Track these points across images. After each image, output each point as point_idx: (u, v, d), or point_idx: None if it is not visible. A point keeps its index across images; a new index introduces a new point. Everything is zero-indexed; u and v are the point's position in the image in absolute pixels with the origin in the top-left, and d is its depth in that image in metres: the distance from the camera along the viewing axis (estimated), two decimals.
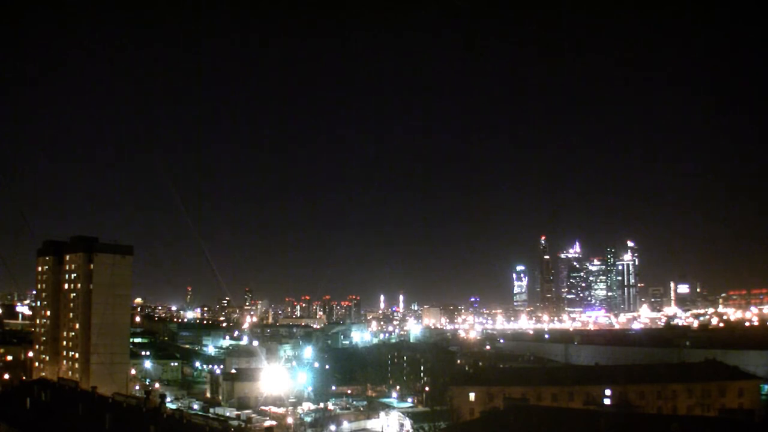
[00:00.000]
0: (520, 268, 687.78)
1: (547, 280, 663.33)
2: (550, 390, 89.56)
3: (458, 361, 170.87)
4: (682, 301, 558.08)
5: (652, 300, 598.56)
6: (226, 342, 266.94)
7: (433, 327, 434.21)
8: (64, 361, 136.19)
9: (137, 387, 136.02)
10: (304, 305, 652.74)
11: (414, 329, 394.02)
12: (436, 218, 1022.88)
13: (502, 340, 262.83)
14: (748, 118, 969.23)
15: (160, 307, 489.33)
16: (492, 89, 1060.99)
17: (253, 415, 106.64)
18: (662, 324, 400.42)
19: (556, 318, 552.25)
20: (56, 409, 75.39)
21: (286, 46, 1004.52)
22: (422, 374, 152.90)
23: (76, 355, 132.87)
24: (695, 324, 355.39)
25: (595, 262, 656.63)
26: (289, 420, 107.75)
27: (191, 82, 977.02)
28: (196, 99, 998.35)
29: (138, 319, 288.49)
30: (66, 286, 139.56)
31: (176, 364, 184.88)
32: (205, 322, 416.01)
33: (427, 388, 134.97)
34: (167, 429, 64.36)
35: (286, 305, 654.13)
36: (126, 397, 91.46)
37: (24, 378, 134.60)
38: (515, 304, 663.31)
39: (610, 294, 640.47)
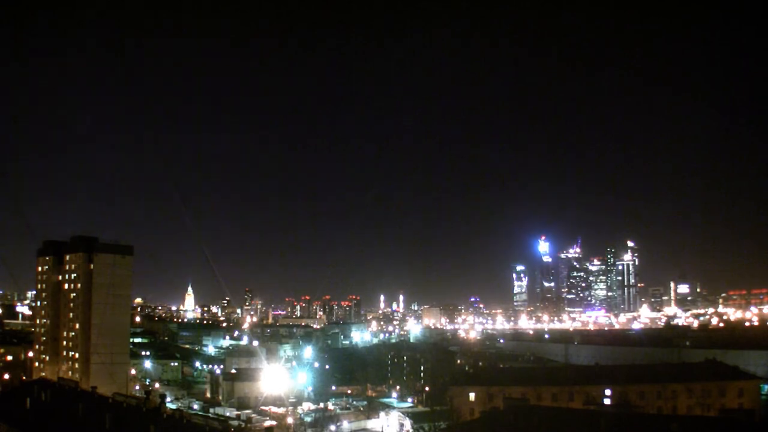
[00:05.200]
0: (520, 268, 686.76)
1: (547, 280, 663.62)
2: (550, 390, 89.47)
3: (458, 361, 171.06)
4: (682, 301, 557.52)
5: (652, 300, 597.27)
6: (226, 342, 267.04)
7: (433, 327, 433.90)
8: (64, 361, 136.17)
9: (137, 387, 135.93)
10: (304, 305, 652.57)
11: (414, 329, 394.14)
12: (436, 218, 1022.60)
13: (502, 340, 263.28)
14: (747, 118, 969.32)
15: (160, 307, 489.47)
16: (492, 89, 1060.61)
17: (253, 415, 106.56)
18: (662, 324, 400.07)
19: (556, 318, 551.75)
20: (56, 409, 75.38)
21: (287, 46, 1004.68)
22: (422, 374, 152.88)
23: (76, 355, 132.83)
24: (695, 324, 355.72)
25: (595, 262, 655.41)
26: (289, 420, 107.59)
27: (192, 82, 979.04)
28: (197, 99, 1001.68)
29: (138, 319, 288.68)
30: (66, 286, 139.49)
31: (176, 364, 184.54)
32: (205, 322, 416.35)
33: (427, 388, 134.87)
34: (167, 429, 64.41)
35: (286, 305, 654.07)
36: (126, 397, 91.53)
37: (24, 378, 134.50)
38: (515, 304, 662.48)
39: (610, 294, 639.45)
